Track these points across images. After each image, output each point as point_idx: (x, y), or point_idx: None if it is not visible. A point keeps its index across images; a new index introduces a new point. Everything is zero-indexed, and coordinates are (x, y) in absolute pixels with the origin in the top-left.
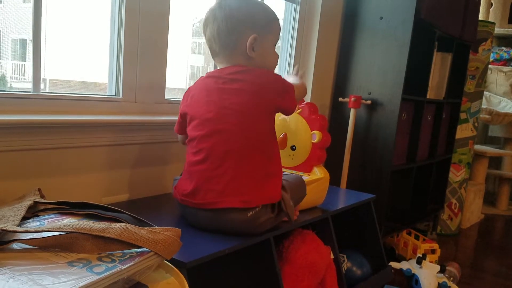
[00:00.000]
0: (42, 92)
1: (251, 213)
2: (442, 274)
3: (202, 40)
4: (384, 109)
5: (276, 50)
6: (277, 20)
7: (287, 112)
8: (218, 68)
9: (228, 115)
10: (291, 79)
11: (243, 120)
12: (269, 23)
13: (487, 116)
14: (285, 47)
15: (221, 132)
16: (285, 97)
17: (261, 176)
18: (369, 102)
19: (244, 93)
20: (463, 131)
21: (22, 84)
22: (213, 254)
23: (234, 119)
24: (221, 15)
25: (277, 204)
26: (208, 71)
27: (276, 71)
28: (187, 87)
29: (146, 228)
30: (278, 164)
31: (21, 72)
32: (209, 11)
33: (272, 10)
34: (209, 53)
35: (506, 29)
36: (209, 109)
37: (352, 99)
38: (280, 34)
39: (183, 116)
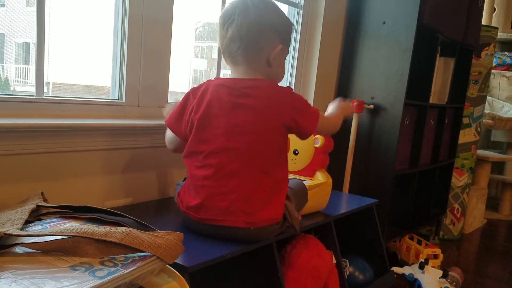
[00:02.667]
0: (45, 96)
1: (253, 227)
2: (444, 279)
3: (205, 44)
4: (386, 113)
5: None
6: (292, 32)
7: (302, 134)
8: (230, 70)
9: (239, 134)
10: (333, 106)
11: (254, 140)
12: (290, 33)
13: (490, 121)
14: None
15: (230, 150)
16: (301, 117)
17: (268, 196)
18: (371, 106)
19: (257, 111)
20: (466, 136)
21: (25, 87)
22: (215, 258)
23: (245, 138)
24: (249, 16)
25: (282, 216)
26: (211, 75)
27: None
28: None
29: (148, 232)
30: (286, 180)
31: (25, 76)
32: (232, 7)
33: (289, 20)
34: (212, 57)
35: (509, 34)
36: (219, 125)
37: (355, 103)
38: None
39: (188, 118)
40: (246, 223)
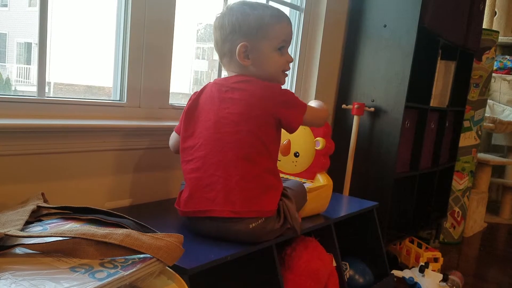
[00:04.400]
0: (47, 97)
1: (253, 224)
2: (444, 283)
3: (206, 45)
4: (387, 116)
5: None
6: (275, 23)
7: (288, 128)
8: (227, 73)
9: (225, 125)
10: (313, 103)
11: (238, 130)
12: (262, 28)
13: (490, 125)
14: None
15: (216, 141)
16: (287, 111)
17: (255, 188)
18: (372, 109)
19: (242, 103)
20: (467, 139)
21: (27, 87)
22: (215, 260)
23: (229, 129)
24: (218, 23)
25: (283, 216)
26: (212, 76)
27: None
28: (191, 92)
29: (148, 234)
30: (277, 177)
31: (26, 76)
32: (215, 18)
33: (269, 14)
34: (213, 58)
35: (510, 37)
36: (208, 118)
37: (356, 106)
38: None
39: (184, 114)
40: (232, 212)
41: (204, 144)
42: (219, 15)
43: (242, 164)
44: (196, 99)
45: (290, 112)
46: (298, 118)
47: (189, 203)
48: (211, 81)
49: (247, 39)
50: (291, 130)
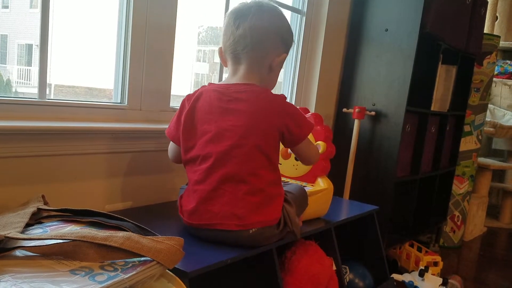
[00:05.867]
0: (48, 99)
1: (253, 230)
2: (444, 287)
3: (207, 48)
4: (388, 120)
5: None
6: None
7: (290, 141)
8: (228, 71)
9: (228, 138)
10: None
11: (243, 143)
12: (291, 45)
13: (491, 129)
14: (290, 57)
15: (220, 154)
16: (293, 123)
17: (260, 200)
18: (373, 113)
19: (246, 115)
20: (467, 144)
21: (27, 89)
22: (215, 264)
23: (233, 142)
24: (263, 18)
25: (283, 221)
26: (213, 79)
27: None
28: None
29: (149, 237)
30: (279, 183)
31: (27, 77)
32: (247, 6)
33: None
34: (214, 61)
35: (511, 42)
36: (209, 129)
37: (356, 110)
38: None
39: (182, 123)
40: (238, 226)
41: (207, 157)
42: (257, 6)
43: (247, 178)
44: (192, 107)
45: (296, 125)
46: (303, 133)
47: (193, 216)
48: (206, 85)
49: (285, 50)
50: (291, 144)
